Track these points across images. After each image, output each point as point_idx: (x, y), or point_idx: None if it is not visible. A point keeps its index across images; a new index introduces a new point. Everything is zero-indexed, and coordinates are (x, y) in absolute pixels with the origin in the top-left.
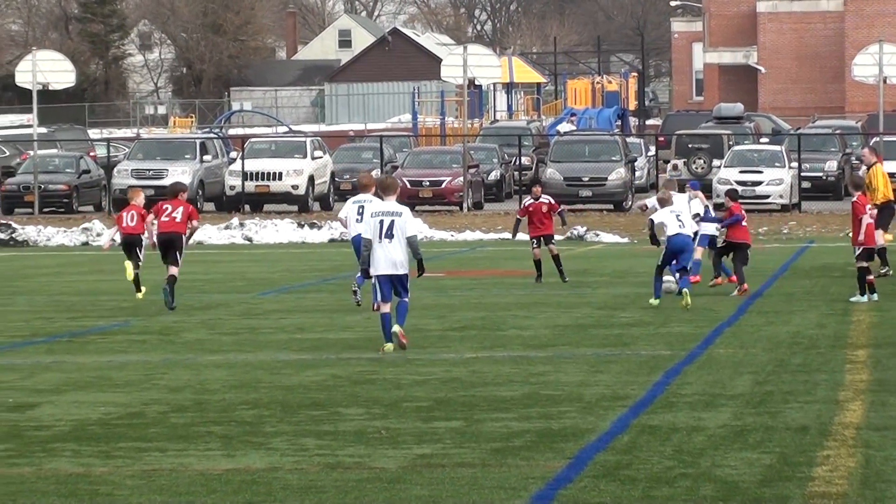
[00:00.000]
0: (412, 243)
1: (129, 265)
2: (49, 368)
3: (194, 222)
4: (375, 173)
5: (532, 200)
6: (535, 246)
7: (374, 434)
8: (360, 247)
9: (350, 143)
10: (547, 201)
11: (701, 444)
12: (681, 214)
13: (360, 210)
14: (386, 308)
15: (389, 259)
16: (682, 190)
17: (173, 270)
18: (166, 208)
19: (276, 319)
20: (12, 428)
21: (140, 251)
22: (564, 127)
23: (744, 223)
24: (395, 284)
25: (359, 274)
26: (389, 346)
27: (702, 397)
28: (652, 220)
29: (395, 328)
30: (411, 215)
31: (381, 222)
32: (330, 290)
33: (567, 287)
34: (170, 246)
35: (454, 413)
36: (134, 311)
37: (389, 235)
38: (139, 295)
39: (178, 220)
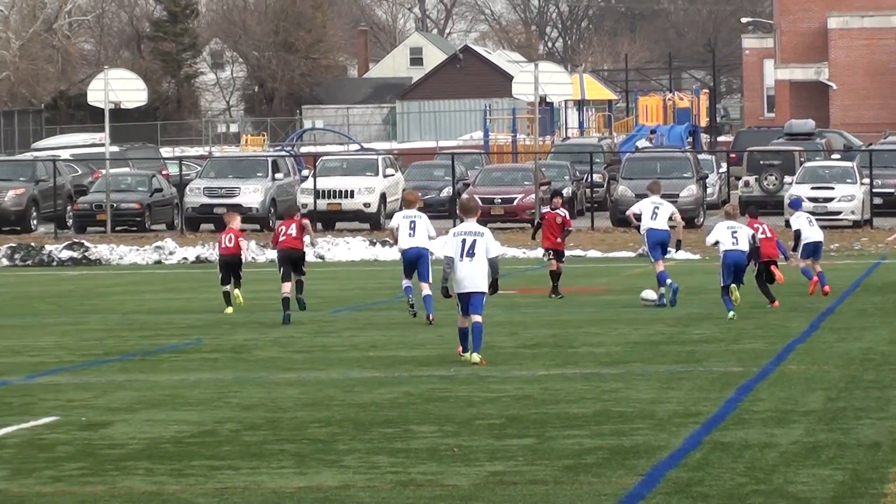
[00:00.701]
0: (493, 263)
1: (236, 292)
2: (122, 387)
3: (309, 236)
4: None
5: (548, 210)
6: (549, 257)
7: (447, 451)
8: (410, 259)
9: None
10: (562, 214)
11: (773, 460)
12: (736, 231)
13: (412, 225)
14: (465, 322)
15: (470, 277)
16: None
17: (300, 277)
18: (282, 229)
19: (349, 337)
20: (86, 446)
21: (238, 271)
22: (643, 143)
23: (760, 237)
24: (473, 301)
25: (407, 283)
26: (467, 355)
27: (774, 414)
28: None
29: (475, 358)
30: (492, 236)
31: (464, 241)
32: (402, 308)
33: (639, 304)
34: (295, 261)
35: (526, 430)
36: (206, 330)
37: (471, 254)
38: (229, 310)
39: (294, 236)
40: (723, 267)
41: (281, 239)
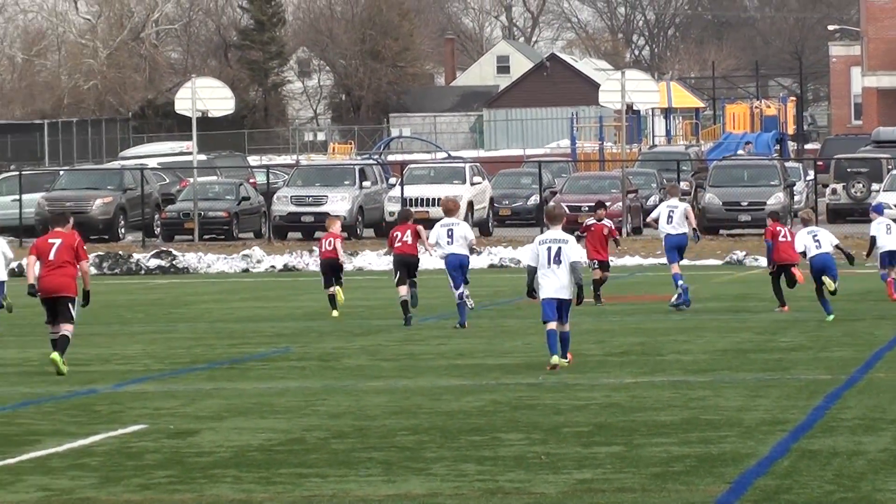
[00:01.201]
0: (576, 269)
1: (337, 289)
2: (210, 395)
3: (423, 244)
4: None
5: (594, 221)
6: (594, 267)
7: (535, 459)
8: (452, 266)
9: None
10: (608, 225)
11: (861, 468)
12: (817, 234)
13: (450, 233)
14: (552, 325)
15: (556, 284)
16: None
17: (409, 289)
18: (397, 234)
19: (436, 345)
20: (174, 454)
21: (339, 273)
22: (741, 153)
23: (781, 240)
24: (560, 308)
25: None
26: (555, 358)
27: (862, 421)
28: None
29: (563, 362)
30: (576, 243)
31: (549, 249)
32: (490, 316)
33: (726, 312)
34: (410, 266)
35: (614, 438)
36: (294, 338)
37: (557, 262)
38: (335, 313)
39: (409, 242)
40: (812, 272)
41: (396, 245)
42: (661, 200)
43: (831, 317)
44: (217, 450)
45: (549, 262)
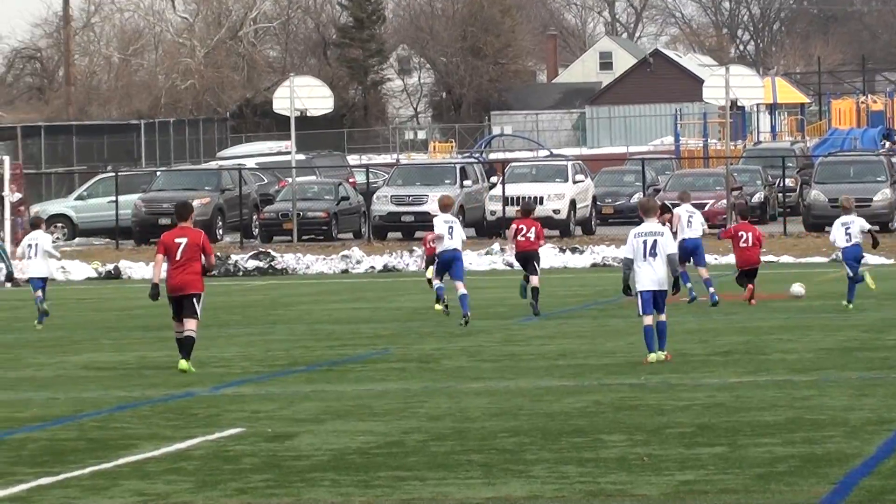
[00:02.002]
0: (672, 260)
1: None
2: (308, 397)
3: (541, 241)
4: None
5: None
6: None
7: (637, 461)
8: (446, 261)
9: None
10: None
11: None
12: (850, 227)
13: (451, 230)
14: (649, 320)
15: (653, 276)
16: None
17: (534, 281)
18: (521, 228)
19: (538, 346)
20: (271, 458)
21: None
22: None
23: (741, 245)
24: (657, 299)
25: (439, 284)
26: (653, 356)
27: None
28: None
29: (661, 356)
30: (671, 235)
31: (645, 242)
32: (592, 316)
33: (832, 310)
34: (530, 261)
35: (717, 439)
36: (393, 339)
37: (653, 254)
38: (438, 307)
39: (532, 239)
40: (844, 261)
41: (520, 239)
42: (766, 198)
43: (850, 305)
44: (315, 453)
45: (644, 255)
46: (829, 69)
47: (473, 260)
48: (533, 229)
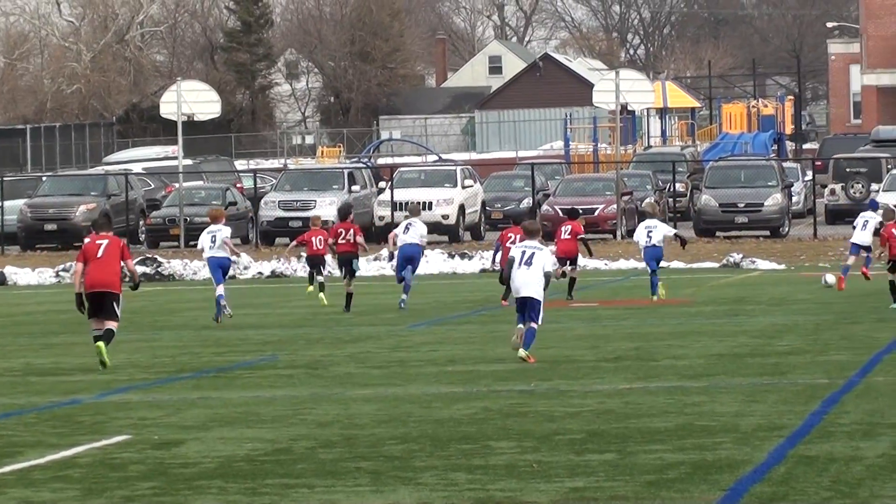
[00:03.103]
0: (546, 276)
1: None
2: (195, 404)
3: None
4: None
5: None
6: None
7: (526, 468)
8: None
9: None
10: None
11: (859, 474)
12: (652, 231)
13: (213, 239)
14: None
15: (526, 284)
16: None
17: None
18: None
19: (427, 352)
20: (158, 465)
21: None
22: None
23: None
24: (526, 308)
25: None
26: (522, 351)
27: (860, 426)
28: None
29: (522, 353)
30: (548, 252)
31: (524, 252)
32: (481, 322)
33: (723, 316)
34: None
35: (607, 445)
36: (281, 346)
37: (528, 263)
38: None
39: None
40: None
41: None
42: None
43: (655, 297)
44: (202, 460)
45: (520, 263)
46: (720, 73)
47: (362, 266)
48: (351, 231)
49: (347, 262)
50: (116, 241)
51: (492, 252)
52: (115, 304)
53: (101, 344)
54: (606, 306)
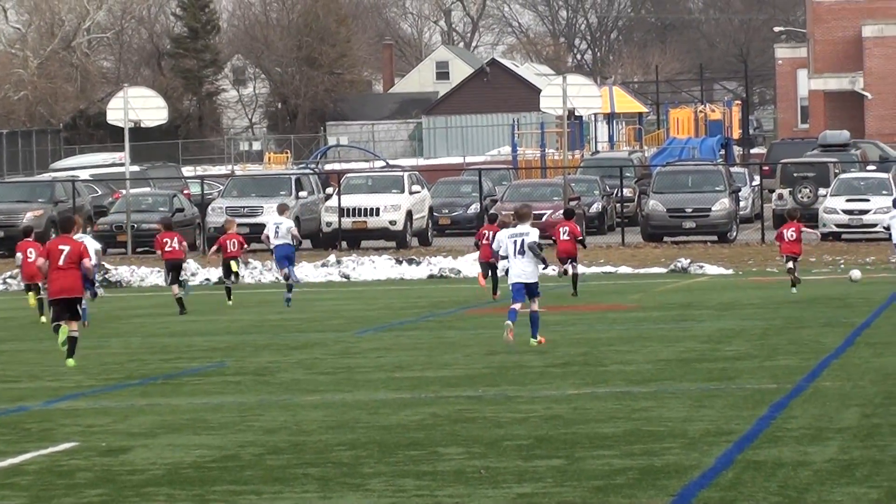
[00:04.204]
0: (532, 248)
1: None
2: (143, 411)
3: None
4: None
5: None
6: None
7: (474, 474)
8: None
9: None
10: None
11: (807, 479)
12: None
13: (277, 230)
14: (520, 307)
15: (521, 271)
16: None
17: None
18: (166, 241)
19: (374, 358)
20: (106, 472)
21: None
22: None
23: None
24: (526, 291)
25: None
26: (533, 341)
27: (808, 431)
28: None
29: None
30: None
31: (515, 242)
32: (429, 328)
33: (671, 321)
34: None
35: (555, 451)
36: (229, 352)
37: (521, 252)
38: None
39: (487, 243)
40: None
41: (484, 242)
42: (604, 208)
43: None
44: (150, 467)
45: (514, 253)
46: (667, 78)
47: (309, 272)
48: (490, 234)
49: (176, 269)
50: (77, 246)
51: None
52: (77, 306)
53: (70, 361)
54: (554, 312)
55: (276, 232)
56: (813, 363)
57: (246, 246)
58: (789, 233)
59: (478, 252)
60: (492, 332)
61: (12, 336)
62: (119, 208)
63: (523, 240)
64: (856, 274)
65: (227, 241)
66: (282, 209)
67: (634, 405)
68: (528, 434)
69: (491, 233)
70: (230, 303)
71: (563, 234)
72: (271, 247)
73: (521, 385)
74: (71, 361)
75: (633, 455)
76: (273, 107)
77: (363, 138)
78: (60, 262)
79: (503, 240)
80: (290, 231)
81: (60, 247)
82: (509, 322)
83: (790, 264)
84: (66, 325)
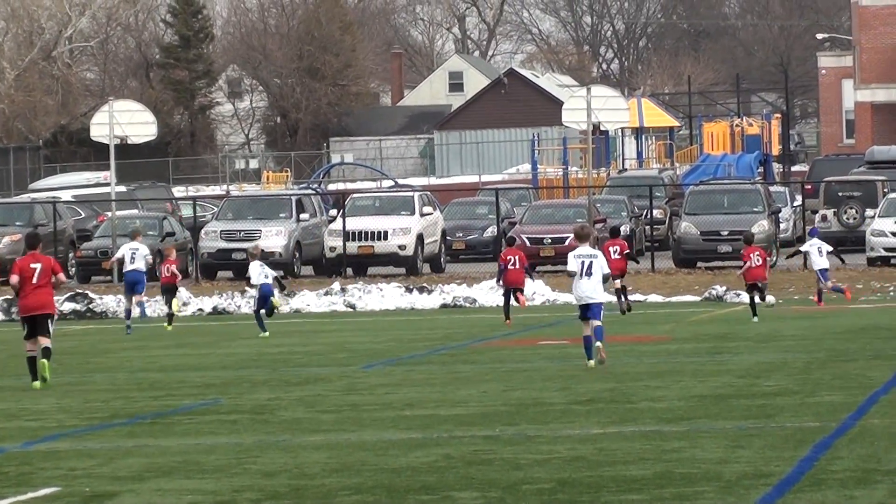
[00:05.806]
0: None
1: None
2: (130, 453)
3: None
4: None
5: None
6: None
7: None
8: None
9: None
10: None
11: None
12: (585, 259)
13: (133, 256)
14: (588, 330)
15: (590, 291)
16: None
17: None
18: (510, 258)
19: (382, 395)
20: None
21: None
22: None
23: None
24: (591, 310)
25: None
26: (591, 363)
27: (854, 473)
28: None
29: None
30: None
31: (583, 263)
32: (441, 361)
33: (705, 353)
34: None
35: (579, 495)
36: (224, 389)
37: (589, 273)
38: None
39: (517, 268)
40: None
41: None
42: (632, 231)
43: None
44: None
45: (581, 274)
46: (701, 89)
47: (312, 301)
48: (517, 258)
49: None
50: (48, 262)
51: (448, 287)
52: (49, 322)
53: (44, 361)
54: (578, 343)
55: (133, 258)
56: (860, 399)
57: (180, 278)
58: (756, 257)
59: (496, 279)
60: (510, 366)
61: None
62: (104, 232)
63: (591, 262)
64: None
65: (164, 267)
66: (134, 234)
67: (665, 445)
68: (550, 477)
69: (514, 257)
70: (169, 328)
71: (614, 253)
72: (125, 271)
73: (541, 424)
74: (45, 362)
75: (664, 500)
76: (272, 121)
77: (370, 155)
78: (34, 281)
79: (571, 259)
80: (146, 258)
81: (32, 265)
82: (598, 344)
83: (754, 293)
84: (40, 339)
